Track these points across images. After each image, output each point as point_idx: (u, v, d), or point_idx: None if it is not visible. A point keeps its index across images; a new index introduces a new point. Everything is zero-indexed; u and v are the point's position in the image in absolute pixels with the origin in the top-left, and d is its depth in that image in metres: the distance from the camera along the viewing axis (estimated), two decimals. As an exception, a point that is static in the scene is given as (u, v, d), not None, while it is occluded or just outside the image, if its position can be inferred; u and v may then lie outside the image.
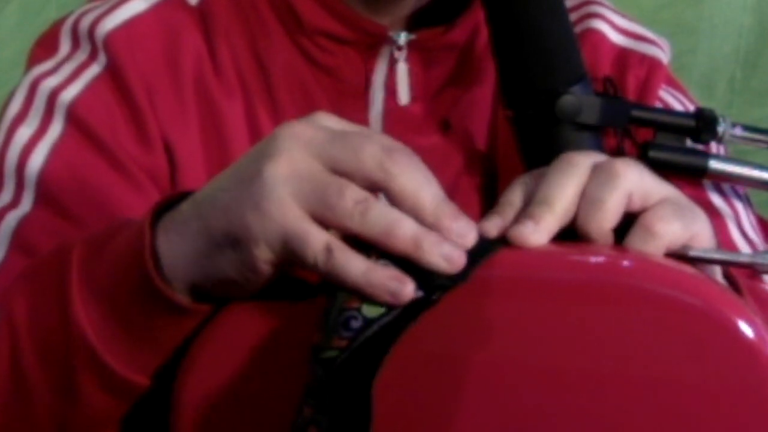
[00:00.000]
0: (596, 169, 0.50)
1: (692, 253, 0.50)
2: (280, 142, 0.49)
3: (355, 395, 0.46)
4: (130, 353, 0.54)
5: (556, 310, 0.49)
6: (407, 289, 0.47)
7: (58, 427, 0.56)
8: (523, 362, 0.49)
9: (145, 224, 0.52)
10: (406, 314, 0.47)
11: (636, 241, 0.49)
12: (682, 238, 0.50)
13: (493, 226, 0.50)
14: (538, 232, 0.49)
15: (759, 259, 0.50)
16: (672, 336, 0.48)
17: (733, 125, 0.72)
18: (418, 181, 0.48)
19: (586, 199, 0.49)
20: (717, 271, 0.53)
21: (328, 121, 0.50)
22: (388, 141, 0.49)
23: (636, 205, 0.50)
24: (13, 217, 0.68)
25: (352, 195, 0.47)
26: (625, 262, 0.49)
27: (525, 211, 0.50)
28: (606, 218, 0.49)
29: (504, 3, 0.66)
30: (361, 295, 0.47)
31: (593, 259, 0.50)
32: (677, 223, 0.50)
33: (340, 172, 0.48)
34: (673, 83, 0.80)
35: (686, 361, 0.48)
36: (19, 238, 0.67)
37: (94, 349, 0.53)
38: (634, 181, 0.50)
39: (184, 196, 0.53)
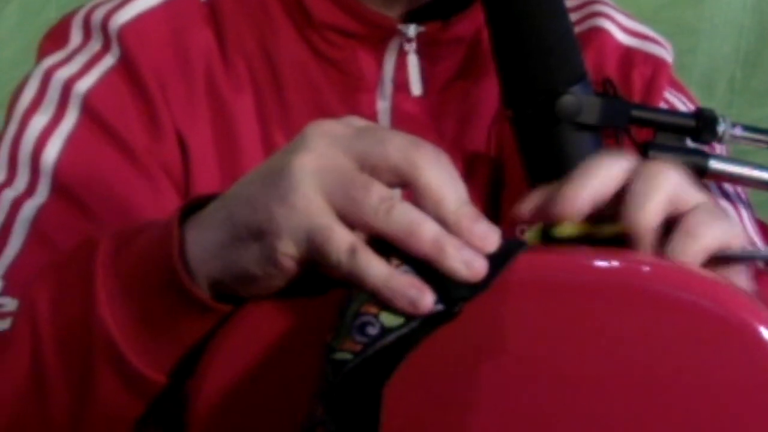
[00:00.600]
0: (639, 168, 0.51)
1: (730, 252, 0.50)
2: (308, 138, 0.49)
3: (364, 400, 0.45)
4: (150, 350, 0.54)
5: (574, 314, 0.49)
6: (427, 299, 0.46)
7: (72, 426, 0.56)
8: (538, 367, 0.49)
9: (174, 220, 0.52)
10: (425, 327, 0.46)
11: (678, 244, 0.50)
12: (721, 242, 0.50)
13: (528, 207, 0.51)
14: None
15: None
16: (691, 340, 0.48)
17: (733, 125, 0.72)
18: (443, 178, 0.48)
19: (632, 194, 0.50)
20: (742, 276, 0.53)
21: (356, 120, 0.51)
22: (414, 137, 0.49)
23: (673, 207, 0.50)
24: (30, 207, 0.68)
25: (378, 192, 0.47)
26: (645, 267, 0.49)
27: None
28: (651, 215, 0.50)
29: (504, 3, 0.66)
30: (380, 300, 0.47)
31: (612, 263, 0.50)
32: (717, 228, 0.50)
33: (367, 165, 0.48)
34: (676, 85, 0.80)
35: (706, 365, 0.48)
36: (37, 228, 0.68)
37: (116, 345, 0.53)
38: (675, 183, 0.50)
39: (212, 197, 0.53)
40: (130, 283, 0.54)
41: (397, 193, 0.48)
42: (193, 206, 0.54)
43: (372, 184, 0.47)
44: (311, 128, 0.49)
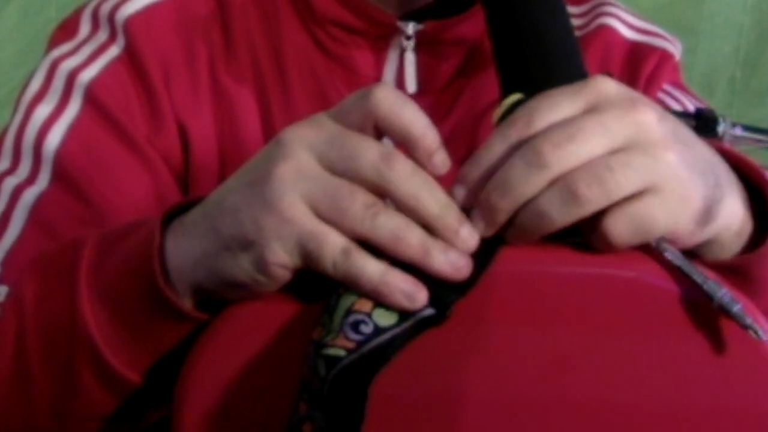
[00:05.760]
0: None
1: (667, 253, 0.49)
2: (286, 145, 0.49)
3: (355, 396, 0.46)
4: (128, 351, 0.54)
5: (558, 306, 0.49)
6: (422, 295, 0.47)
7: (56, 416, 0.57)
8: (524, 359, 0.49)
9: (155, 227, 0.52)
10: (418, 328, 0.47)
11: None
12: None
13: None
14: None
15: (706, 285, 0.49)
16: (667, 325, 0.49)
17: (733, 125, 0.72)
18: (416, 189, 0.48)
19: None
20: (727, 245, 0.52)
21: (329, 123, 0.50)
22: (387, 148, 0.49)
23: None
24: (30, 194, 0.69)
25: (363, 199, 0.47)
26: (626, 259, 0.50)
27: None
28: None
29: (504, 3, 0.66)
30: (375, 298, 0.47)
31: (594, 254, 0.50)
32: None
33: (343, 176, 0.48)
34: (678, 83, 0.80)
35: (682, 349, 0.49)
36: (36, 214, 0.68)
37: (95, 344, 0.54)
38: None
39: (196, 201, 0.53)
40: (112, 287, 0.54)
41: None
42: (176, 210, 0.54)
43: (355, 192, 0.47)
44: (287, 134, 0.49)
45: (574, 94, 0.49)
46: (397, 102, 0.48)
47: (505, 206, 0.47)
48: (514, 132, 0.48)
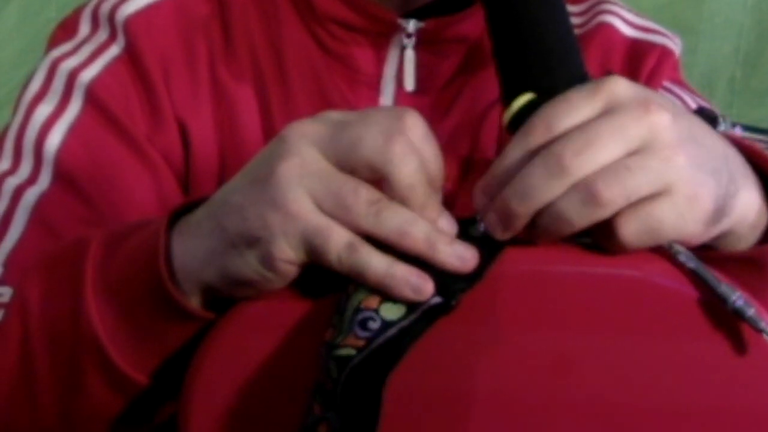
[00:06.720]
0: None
1: (680, 256, 0.49)
2: (290, 142, 0.49)
3: (368, 394, 0.46)
4: (134, 351, 0.54)
5: (565, 303, 0.49)
6: (428, 286, 0.47)
7: (61, 417, 0.57)
8: (533, 356, 0.49)
9: (161, 227, 0.53)
10: (425, 318, 0.47)
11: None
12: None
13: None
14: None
15: (720, 288, 0.49)
16: (675, 325, 0.49)
17: (733, 125, 0.72)
18: (410, 175, 0.48)
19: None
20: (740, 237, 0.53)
21: (333, 114, 0.50)
22: (387, 125, 0.49)
23: None
24: (32, 194, 0.69)
25: (367, 195, 0.48)
26: (631, 258, 0.50)
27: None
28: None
29: (504, 3, 0.66)
30: (382, 292, 0.47)
31: (603, 254, 0.50)
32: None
33: (346, 167, 0.48)
34: (679, 80, 0.80)
35: (691, 350, 0.49)
36: (38, 214, 0.68)
37: (101, 344, 0.54)
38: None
39: (200, 201, 0.54)
40: (117, 287, 0.54)
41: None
42: (181, 210, 0.54)
43: (359, 188, 0.48)
44: (290, 131, 0.49)
45: (590, 97, 0.49)
46: (425, 134, 0.49)
47: (523, 212, 0.48)
48: (534, 139, 0.48)
